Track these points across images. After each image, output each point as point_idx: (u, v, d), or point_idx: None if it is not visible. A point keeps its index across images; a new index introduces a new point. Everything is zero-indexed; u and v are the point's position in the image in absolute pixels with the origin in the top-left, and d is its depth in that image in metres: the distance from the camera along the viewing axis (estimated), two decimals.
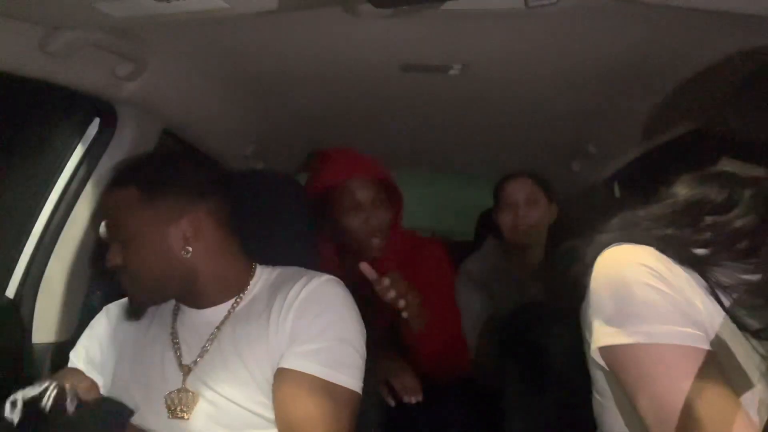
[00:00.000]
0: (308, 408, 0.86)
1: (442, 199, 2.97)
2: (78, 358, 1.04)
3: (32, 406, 0.64)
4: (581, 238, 0.80)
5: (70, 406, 0.65)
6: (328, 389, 0.88)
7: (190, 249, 0.93)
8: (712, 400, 0.63)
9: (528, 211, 1.70)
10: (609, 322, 0.71)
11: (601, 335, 0.72)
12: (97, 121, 1.32)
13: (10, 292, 1.24)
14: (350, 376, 0.90)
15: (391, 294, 1.21)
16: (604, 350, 0.72)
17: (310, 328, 0.91)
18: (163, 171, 0.95)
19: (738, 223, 0.70)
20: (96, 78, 1.11)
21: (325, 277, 0.98)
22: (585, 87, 1.36)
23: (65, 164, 1.31)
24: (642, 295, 0.68)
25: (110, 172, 1.00)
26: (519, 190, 1.71)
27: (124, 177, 0.95)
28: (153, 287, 0.94)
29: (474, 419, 1.59)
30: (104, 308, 1.09)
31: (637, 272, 0.69)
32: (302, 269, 1.01)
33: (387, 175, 1.50)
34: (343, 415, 0.88)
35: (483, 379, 1.67)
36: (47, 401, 0.63)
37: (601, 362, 0.74)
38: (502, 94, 1.44)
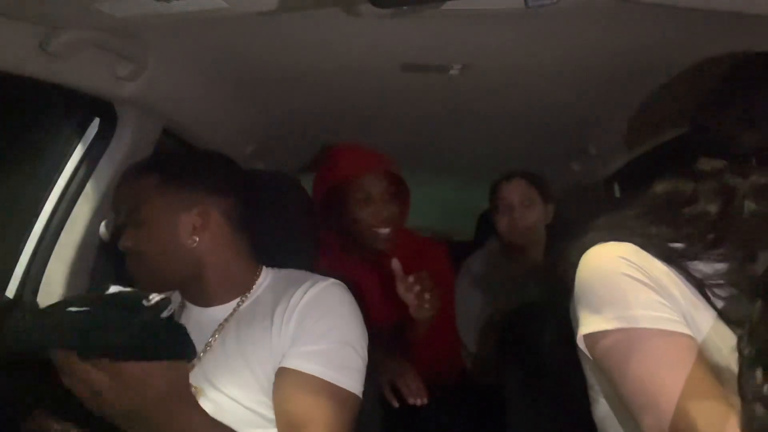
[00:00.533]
0: (308, 408, 0.86)
1: (442, 199, 2.96)
2: None
3: (136, 298, 0.73)
4: (579, 238, 0.82)
5: (166, 313, 0.73)
6: (328, 390, 0.88)
7: (197, 239, 0.96)
8: (694, 385, 0.65)
9: (523, 212, 1.70)
10: (590, 311, 0.74)
11: (583, 324, 0.75)
12: (97, 121, 1.33)
13: (10, 292, 1.24)
14: (351, 379, 0.91)
15: (416, 289, 1.22)
16: (588, 338, 0.75)
17: (312, 330, 0.91)
18: (185, 163, 1.02)
19: (703, 215, 0.73)
20: (96, 78, 1.11)
21: (330, 281, 0.99)
22: (585, 87, 1.36)
23: (65, 164, 1.31)
24: (620, 283, 0.72)
25: (135, 164, 1.05)
26: (513, 192, 1.71)
27: (149, 165, 1.02)
28: (158, 271, 0.97)
29: (474, 420, 1.59)
30: None
31: (616, 264, 0.73)
32: (307, 273, 1.03)
33: (396, 169, 1.51)
34: (342, 417, 0.88)
35: (483, 379, 1.67)
36: (152, 300, 0.73)
37: (586, 352, 0.76)
38: (502, 94, 1.44)
